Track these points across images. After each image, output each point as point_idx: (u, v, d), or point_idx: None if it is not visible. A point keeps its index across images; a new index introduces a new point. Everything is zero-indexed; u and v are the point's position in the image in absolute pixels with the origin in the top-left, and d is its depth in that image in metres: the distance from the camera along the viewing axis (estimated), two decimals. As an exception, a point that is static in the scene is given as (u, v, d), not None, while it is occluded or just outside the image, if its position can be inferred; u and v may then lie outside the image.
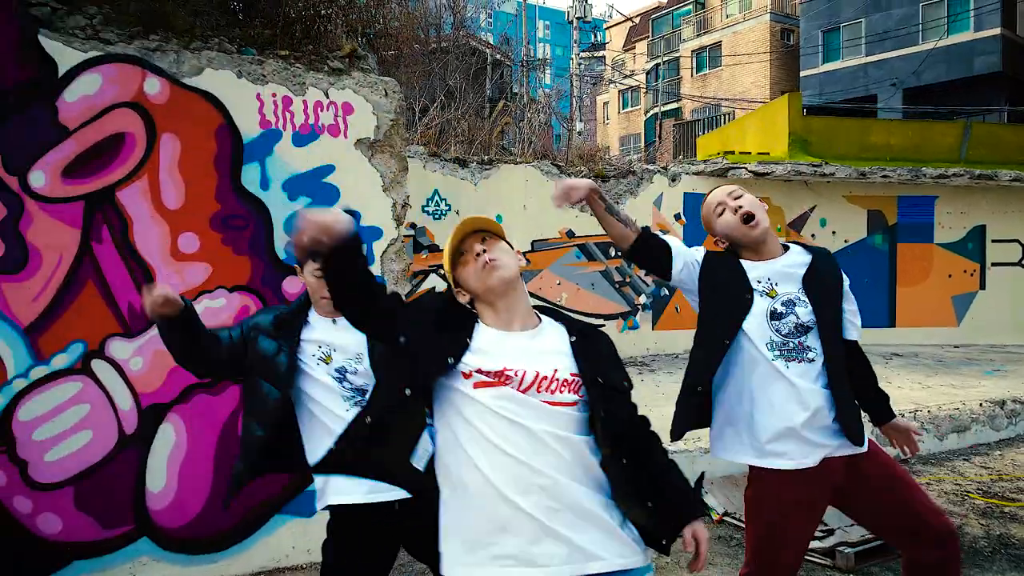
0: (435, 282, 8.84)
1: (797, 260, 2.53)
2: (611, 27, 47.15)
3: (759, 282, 2.47)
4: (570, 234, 9.63)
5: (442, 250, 9.29)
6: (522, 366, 1.76)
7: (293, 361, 2.47)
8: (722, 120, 22.82)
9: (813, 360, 2.39)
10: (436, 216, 8.78)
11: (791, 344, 2.39)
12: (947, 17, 24.77)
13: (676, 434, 2.54)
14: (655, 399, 6.95)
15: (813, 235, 11.28)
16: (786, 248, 2.59)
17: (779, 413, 2.37)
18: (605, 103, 42.51)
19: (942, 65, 24.64)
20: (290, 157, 3.87)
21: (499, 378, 1.74)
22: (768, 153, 10.97)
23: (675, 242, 2.59)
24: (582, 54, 38.10)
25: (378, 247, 4.09)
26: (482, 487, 1.72)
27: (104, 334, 3.51)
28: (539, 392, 1.75)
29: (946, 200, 11.31)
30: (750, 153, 11.05)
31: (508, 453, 1.70)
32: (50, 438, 3.42)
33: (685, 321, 10.01)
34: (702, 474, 2.09)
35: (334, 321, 2.54)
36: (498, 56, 24.49)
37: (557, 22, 55.38)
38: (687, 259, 2.55)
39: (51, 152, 3.39)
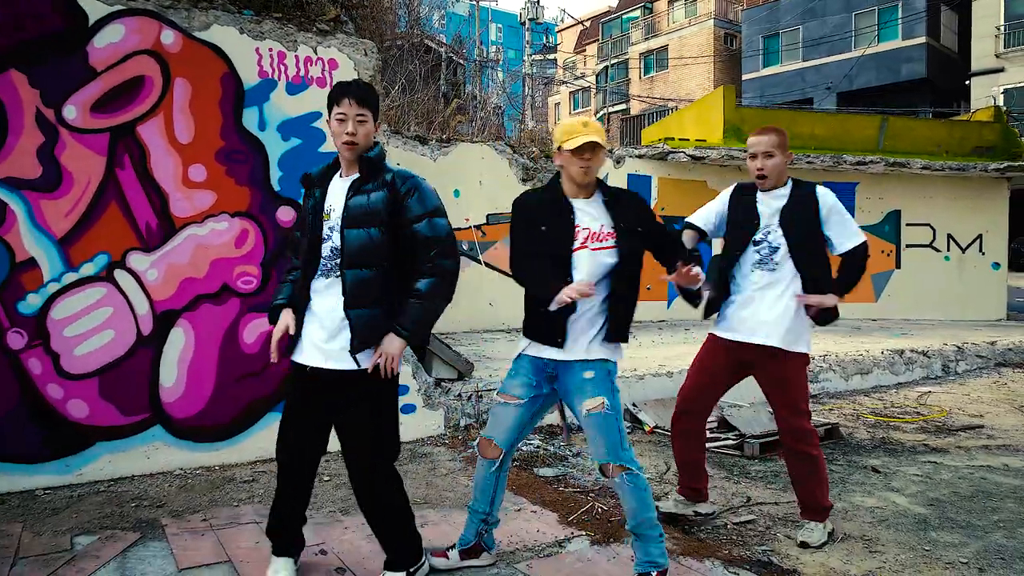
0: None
1: (781, 194, 3.42)
2: (562, 30, 48.17)
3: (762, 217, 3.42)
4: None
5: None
6: None
7: (319, 212, 2.70)
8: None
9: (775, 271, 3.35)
10: (398, 188, 9.40)
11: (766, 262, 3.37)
12: (877, 25, 26.27)
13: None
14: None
15: (746, 217, 12.20)
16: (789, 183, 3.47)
17: None
18: (556, 104, 43.47)
19: (872, 71, 26.17)
20: (284, 103, 4.50)
21: None
22: (705, 140, 11.87)
23: (699, 217, 3.65)
24: (534, 56, 38.93)
25: (359, 185, 4.74)
26: None
27: (125, 247, 4.09)
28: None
29: (865, 186, 12.37)
30: (688, 140, 11.95)
31: None
32: (78, 335, 3.99)
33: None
34: None
35: (340, 176, 2.74)
36: (451, 55, 25.11)
37: (510, 25, 56.22)
38: (710, 220, 3.61)
39: (82, 90, 3.97)
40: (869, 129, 12.69)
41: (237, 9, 4.44)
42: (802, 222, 3.32)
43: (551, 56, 45.16)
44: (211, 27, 4.30)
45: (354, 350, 2.60)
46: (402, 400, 4.85)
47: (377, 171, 2.68)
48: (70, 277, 3.98)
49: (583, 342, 2.75)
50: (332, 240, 2.64)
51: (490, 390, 5.36)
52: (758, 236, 3.38)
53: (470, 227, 9.96)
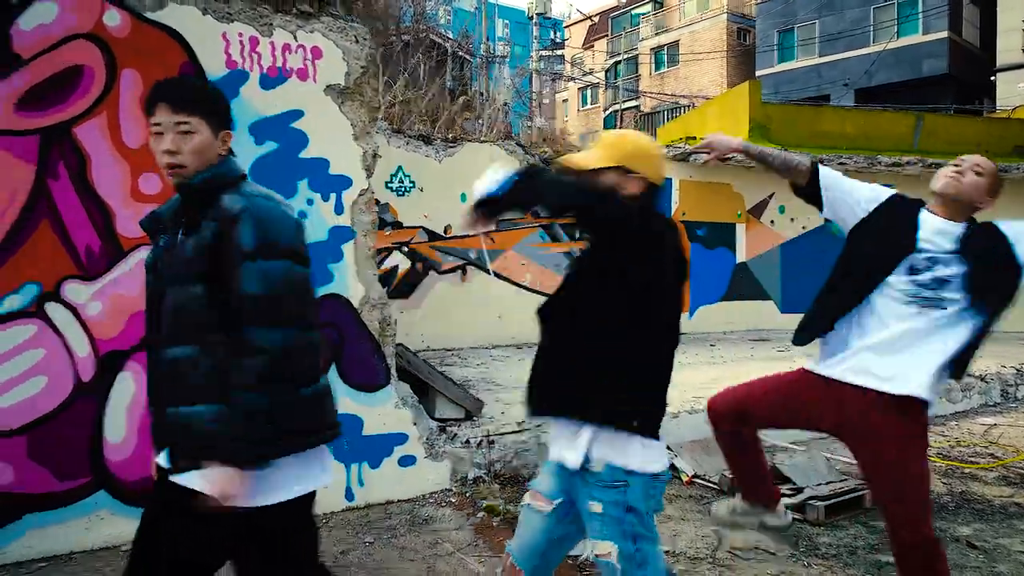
0: (399, 259, 8.71)
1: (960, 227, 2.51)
2: (570, 25, 47.31)
3: (925, 241, 2.48)
4: (535, 214, 9.58)
5: (406, 227, 9.01)
6: None
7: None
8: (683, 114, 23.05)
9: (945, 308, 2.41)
10: (400, 192, 8.66)
11: (924, 293, 2.42)
12: (897, 20, 25.40)
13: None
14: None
15: (772, 222, 11.44)
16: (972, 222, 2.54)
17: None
18: (564, 101, 42.64)
19: (892, 67, 25.29)
20: (257, 100, 3.74)
21: None
22: (729, 139, 11.09)
23: (834, 180, 2.68)
24: (542, 52, 38.15)
25: (347, 197, 3.99)
26: None
27: (60, 276, 3.35)
28: None
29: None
30: (711, 139, 11.17)
31: None
32: (1, 384, 3.24)
33: (647, 304, 10.02)
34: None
35: None
36: (458, 51, 24.38)
37: (517, 21, 55.36)
38: (843, 199, 2.65)
39: (3, 82, 3.22)
40: (901, 126, 11.90)
41: (201, -14, 3.68)
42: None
43: (559, 52, 44.31)
44: (167, 6, 3.55)
45: (175, 469, 1.81)
46: (401, 451, 4.13)
47: (205, 204, 1.84)
48: (-10, 313, 3.23)
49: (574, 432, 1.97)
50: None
51: (502, 434, 4.61)
52: (919, 263, 2.46)
53: (478, 234, 9.20)
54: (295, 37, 3.85)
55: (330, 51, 3.94)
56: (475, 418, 4.80)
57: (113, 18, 3.42)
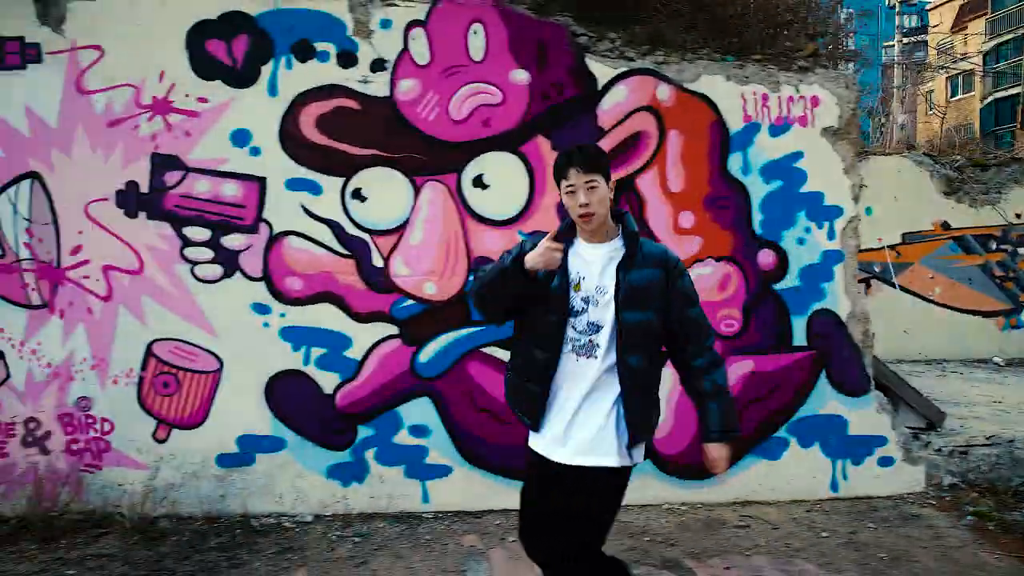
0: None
1: None
2: (934, 8, 42.69)
3: None
4: (945, 226, 9.26)
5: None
6: None
7: (563, 280, 2.39)
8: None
9: None
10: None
11: None
12: None
13: None
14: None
15: None
16: None
17: None
18: (930, 91, 38.59)
19: None
20: (766, 146, 4.48)
21: None
22: None
23: None
24: (904, 40, 35.02)
25: (839, 224, 4.55)
26: None
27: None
28: None
29: None
30: None
31: None
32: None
33: (1080, 322, 9.11)
34: None
35: (591, 246, 2.43)
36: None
37: (863, 9, 50.64)
38: None
39: (592, 148, 4.34)
40: None
41: (720, 56, 4.52)
42: None
43: (921, 38, 40.23)
44: (700, 78, 4.44)
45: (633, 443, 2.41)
46: (880, 452, 4.60)
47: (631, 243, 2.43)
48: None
49: None
50: (587, 314, 2.38)
51: (972, 446, 4.82)
52: None
53: (883, 247, 9.19)
54: (797, 90, 4.52)
55: (826, 98, 4.54)
56: (938, 428, 5.05)
57: (663, 92, 4.40)
